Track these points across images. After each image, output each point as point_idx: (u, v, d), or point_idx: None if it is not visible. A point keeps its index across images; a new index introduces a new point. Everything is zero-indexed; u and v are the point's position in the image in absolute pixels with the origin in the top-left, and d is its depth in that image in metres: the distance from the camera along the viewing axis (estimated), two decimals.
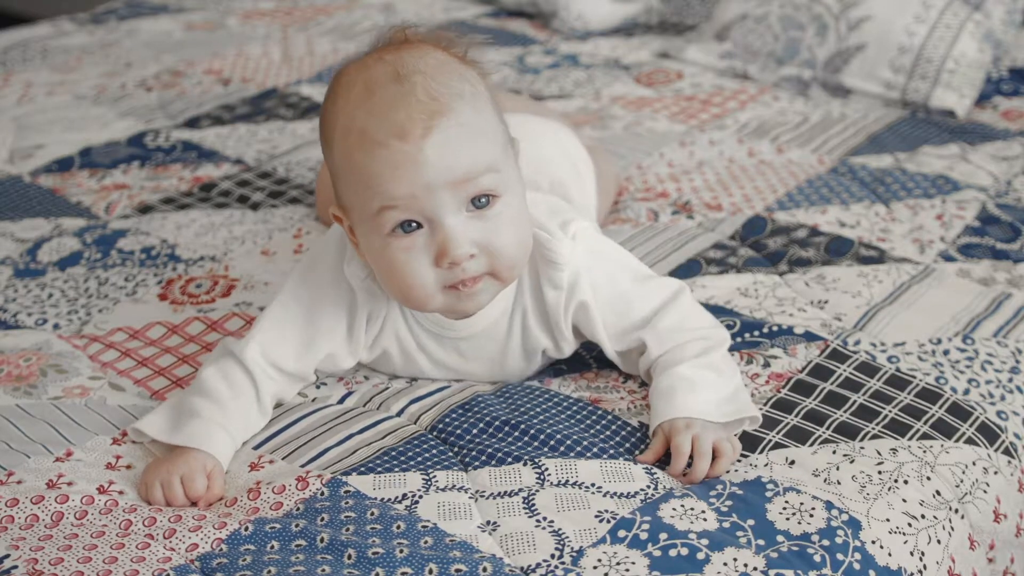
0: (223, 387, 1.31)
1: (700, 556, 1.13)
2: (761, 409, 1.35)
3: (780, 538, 1.17)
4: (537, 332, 1.37)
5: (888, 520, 1.21)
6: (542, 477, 1.24)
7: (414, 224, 1.22)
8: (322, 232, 1.73)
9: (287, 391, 1.37)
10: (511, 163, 1.28)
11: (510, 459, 1.27)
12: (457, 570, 1.11)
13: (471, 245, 1.23)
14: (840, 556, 1.16)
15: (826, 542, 1.17)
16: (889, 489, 1.25)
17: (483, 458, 1.28)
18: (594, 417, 1.34)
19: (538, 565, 1.13)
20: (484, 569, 1.11)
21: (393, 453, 1.28)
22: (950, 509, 1.26)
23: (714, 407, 1.29)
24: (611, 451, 1.28)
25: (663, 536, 1.16)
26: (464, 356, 1.38)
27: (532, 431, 1.30)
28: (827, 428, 1.33)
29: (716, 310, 1.52)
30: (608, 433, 1.31)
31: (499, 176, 1.24)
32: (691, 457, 1.25)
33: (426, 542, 1.15)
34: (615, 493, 1.22)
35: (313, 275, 1.36)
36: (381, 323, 1.36)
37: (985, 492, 1.31)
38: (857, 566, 1.16)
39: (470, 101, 1.23)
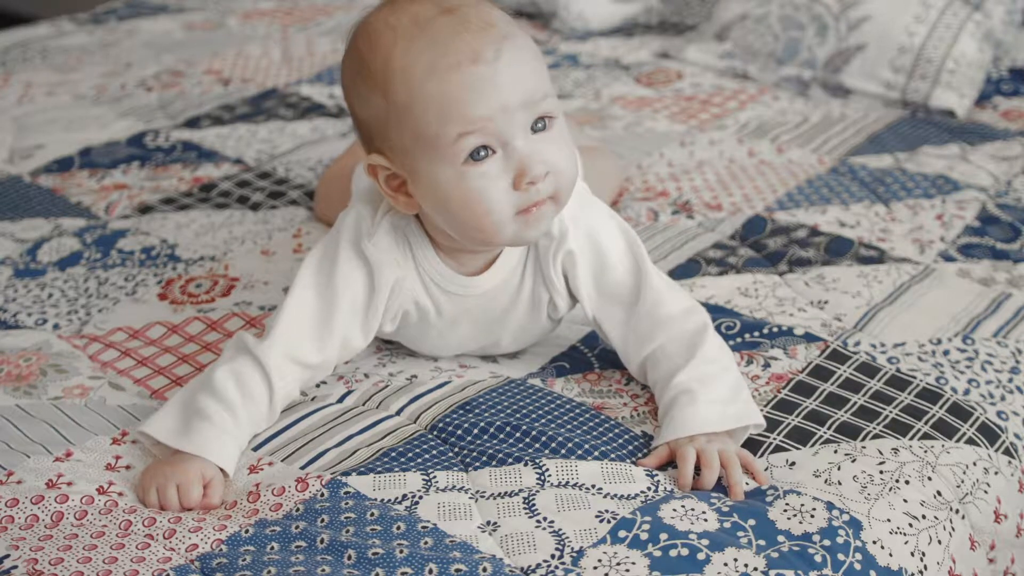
0: (236, 391, 1.28)
1: (700, 556, 1.13)
2: (762, 410, 1.35)
3: (781, 538, 1.17)
4: (539, 283, 1.38)
5: (889, 520, 1.21)
6: (542, 477, 1.24)
7: (486, 151, 1.24)
8: (322, 232, 1.73)
9: (306, 384, 1.36)
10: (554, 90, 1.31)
11: (511, 460, 1.27)
12: (457, 570, 1.11)
13: (543, 164, 1.25)
14: (841, 556, 1.16)
15: (827, 542, 1.17)
16: (890, 489, 1.25)
17: (483, 459, 1.28)
18: (596, 421, 1.33)
19: (538, 565, 1.13)
20: (484, 569, 1.11)
21: (393, 454, 1.28)
22: (951, 509, 1.26)
23: (718, 411, 1.29)
24: (612, 455, 1.28)
25: (663, 536, 1.15)
26: (480, 309, 1.38)
27: (533, 433, 1.30)
28: (828, 428, 1.33)
29: (716, 310, 1.52)
30: (610, 436, 1.31)
31: (554, 100, 1.27)
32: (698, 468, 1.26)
33: (426, 543, 1.15)
34: (616, 494, 1.22)
35: (327, 262, 1.34)
36: (400, 290, 1.35)
37: (986, 492, 1.31)
38: (858, 566, 1.16)
39: (518, 27, 1.26)
